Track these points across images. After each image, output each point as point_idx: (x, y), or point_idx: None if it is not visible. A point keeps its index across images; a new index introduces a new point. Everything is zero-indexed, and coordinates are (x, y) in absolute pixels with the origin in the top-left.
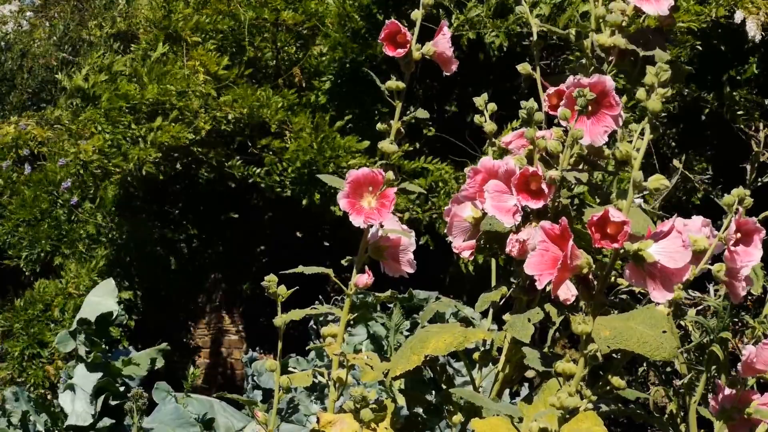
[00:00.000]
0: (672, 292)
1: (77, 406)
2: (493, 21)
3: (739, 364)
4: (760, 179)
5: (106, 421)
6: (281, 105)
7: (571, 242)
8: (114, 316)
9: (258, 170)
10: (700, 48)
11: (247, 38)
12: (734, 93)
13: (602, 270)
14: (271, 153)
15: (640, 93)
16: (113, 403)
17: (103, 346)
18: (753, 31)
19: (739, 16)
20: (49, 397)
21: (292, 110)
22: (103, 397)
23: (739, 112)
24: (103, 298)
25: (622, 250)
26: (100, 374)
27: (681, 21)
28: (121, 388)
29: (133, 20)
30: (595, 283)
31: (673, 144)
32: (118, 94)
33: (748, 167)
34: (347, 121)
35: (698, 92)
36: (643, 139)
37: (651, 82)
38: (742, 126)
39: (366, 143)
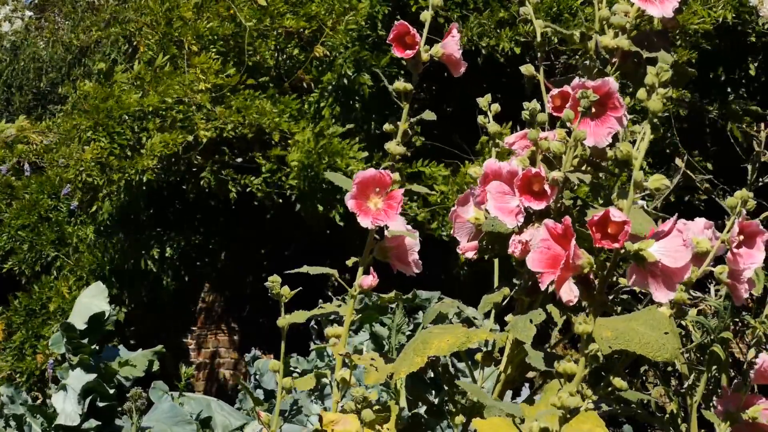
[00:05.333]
0: (674, 291)
1: (67, 406)
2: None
3: (751, 371)
4: (761, 179)
5: (92, 422)
6: (285, 114)
7: (573, 241)
8: (106, 316)
9: (255, 179)
10: (709, 47)
11: (247, 44)
12: (733, 104)
13: (603, 270)
14: (271, 162)
15: (641, 93)
16: (101, 404)
17: (93, 347)
18: (765, 11)
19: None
20: (40, 397)
21: (294, 118)
22: (90, 398)
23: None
24: (93, 299)
25: (623, 250)
26: (92, 376)
27: (692, 23)
28: (112, 390)
29: (131, 24)
30: (596, 283)
31: (677, 141)
32: (119, 103)
33: (749, 167)
34: (346, 129)
35: (700, 101)
36: (644, 139)
37: (652, 82)
38: (739, 138)
39: (364, 153)
